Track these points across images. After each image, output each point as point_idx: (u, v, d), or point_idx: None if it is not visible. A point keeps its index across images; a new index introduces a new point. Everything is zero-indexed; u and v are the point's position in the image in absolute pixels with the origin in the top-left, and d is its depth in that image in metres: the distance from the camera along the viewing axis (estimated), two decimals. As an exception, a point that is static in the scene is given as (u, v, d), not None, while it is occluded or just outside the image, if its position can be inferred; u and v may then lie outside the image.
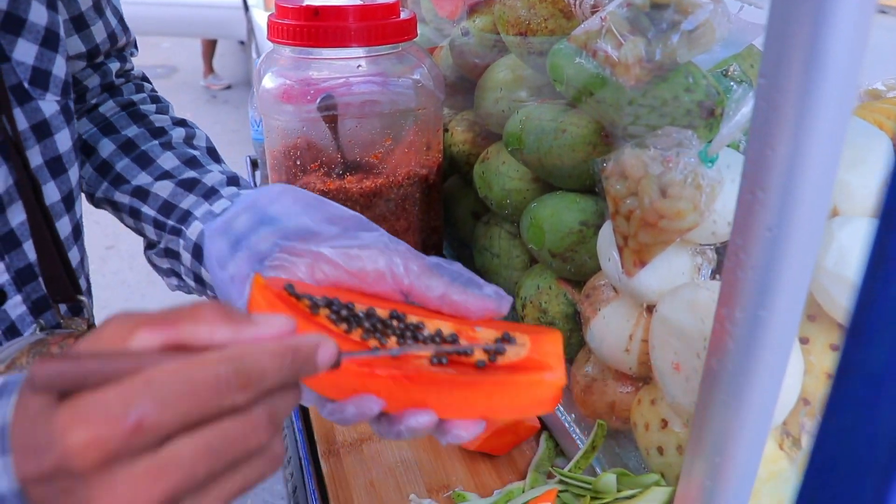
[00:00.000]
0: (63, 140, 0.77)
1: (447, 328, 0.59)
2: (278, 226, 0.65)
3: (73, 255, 0.81)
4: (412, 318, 0.59)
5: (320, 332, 0.56)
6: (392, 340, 0.58)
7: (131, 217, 0.84)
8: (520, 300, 0.96)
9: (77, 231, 0.83)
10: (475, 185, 1.08)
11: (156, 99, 0.96)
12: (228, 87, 7.11)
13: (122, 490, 0.38)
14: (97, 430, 0.37)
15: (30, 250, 0.75)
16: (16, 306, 0.75)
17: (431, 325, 0.59)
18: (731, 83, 0.76)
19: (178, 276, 0.82)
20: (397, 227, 1.08)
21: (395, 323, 0.59)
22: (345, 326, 0.58)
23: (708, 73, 0.73)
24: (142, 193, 0.83)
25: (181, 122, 0.92)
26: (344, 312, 0.58)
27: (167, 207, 0.81)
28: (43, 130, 0.75)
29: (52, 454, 0.37)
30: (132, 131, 0.88)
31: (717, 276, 0.71)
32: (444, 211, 1.18)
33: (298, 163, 1.04)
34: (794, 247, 0.45)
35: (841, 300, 0.62)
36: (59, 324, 0.79)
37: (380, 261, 0.61)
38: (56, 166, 0.77)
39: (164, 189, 0.82)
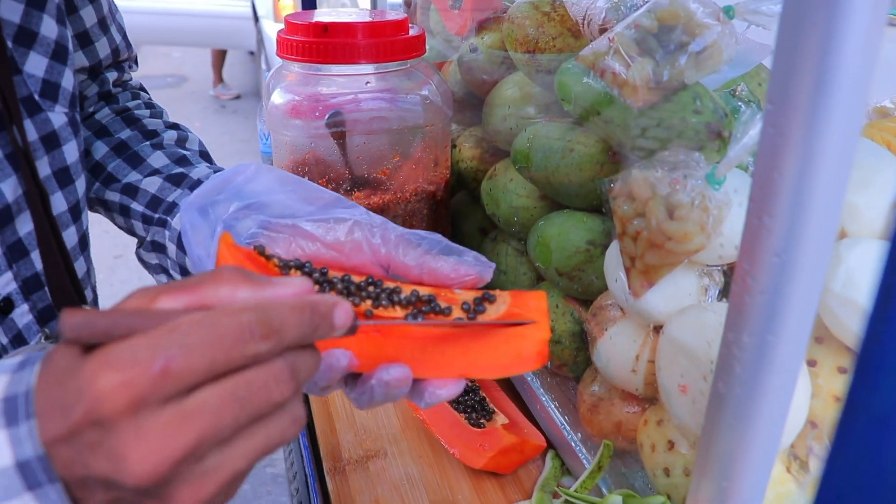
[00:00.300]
0: (70, 151, 0.78)
1: (424, 291, 0.58)
2: (256, 203, 0.65)
3: (80, 266, 0.82)
4: (388, 284, 0.58)
5: None
6: (367, 304, 0.57)
7: (121, 215, 0.86)
8: (526, 317, 0.96)
9: (83, 241, 0.83)
10: (482, 201, 1.08)
11: (150, 105, 0.99)
12: (237, 97, 7.14)
13: (149, 437, 0.38)
14: (125, 374, 0.38)
15: (37, 259, 0.75)
16: (23, 315, 0.75)
17: (408, 289, 0.58)
18: (739, 103, 0.76)
19: (165, 271, 0.83)
20: (404, 243, 1.08)
21: (370, 288, 0.58)
22: (316, 288, 0.56)
23: (715, 92, 0.73)
24: (131, 190, 0.84)
25: (174, 126, 0.94)
26: (316, 275, 0.57)
27: (155, 202, 0.82)
28: (52, 141, 0.76)
29: (80, 404, 0.38)
30: (125, 134, 0.90)
31: (724, 298, 0.71)
32: (451, 227, 1.18)
33: (307, 178, 1.04)
34: (802, 272, 0.45)
35: (849, 323, 0.62)
36: None
37: (356, 232, 0.62)
38: (64, 177, 0.78)
39: (152, 185, 0.83)
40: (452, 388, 0.55)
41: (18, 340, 0.76)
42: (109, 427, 0.38)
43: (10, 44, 0.70)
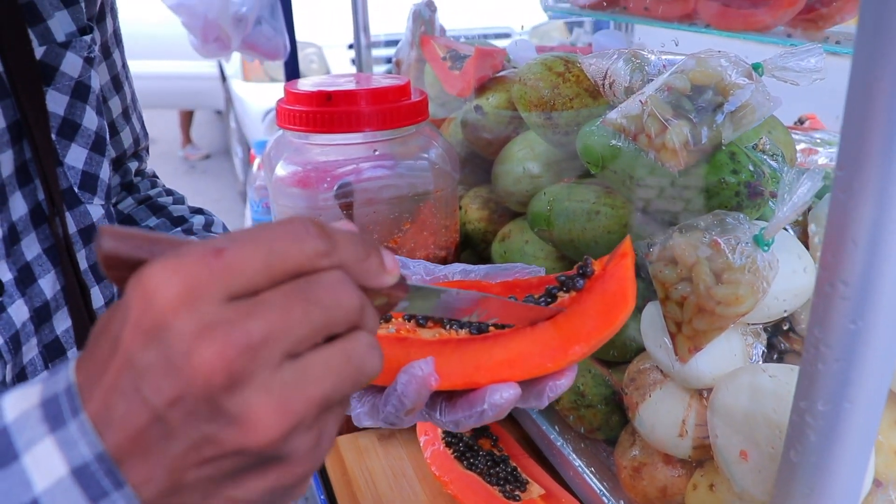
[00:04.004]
0: None
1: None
2: None
3: None
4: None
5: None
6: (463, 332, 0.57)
7: None
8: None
9: None
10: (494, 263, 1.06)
11: (170, 192, 0.98)
12: (207, 157, 7.10)
13: (215, 337, 0.33)
14: (183, 275, 0.33)
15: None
16: None
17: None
18: (764, 156, 0.75)
19: None
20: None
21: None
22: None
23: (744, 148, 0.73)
24: None
25: (199, 211, 0.94)
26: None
27: None
28: (90, 234, 0.74)
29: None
30: (153, 222, 0.89)
31: (771, 355, 0.70)
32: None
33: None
34: (880, 338, 0.44)
35: (905, 377, 0.61)
36: None
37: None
38: (101, 271, 0.76)
39: None
40: (571, 375, 0.53)
41: None
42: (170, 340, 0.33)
43: (53, 136, 0.69)
